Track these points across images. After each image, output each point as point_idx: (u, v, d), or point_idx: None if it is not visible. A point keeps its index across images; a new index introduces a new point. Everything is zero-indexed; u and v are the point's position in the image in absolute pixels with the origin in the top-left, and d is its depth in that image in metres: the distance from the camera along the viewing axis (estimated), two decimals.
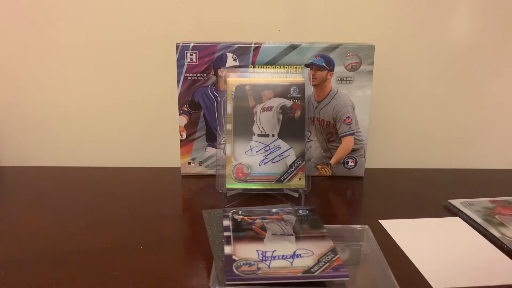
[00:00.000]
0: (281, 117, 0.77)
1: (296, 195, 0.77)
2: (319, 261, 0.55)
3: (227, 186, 0.76)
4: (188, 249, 0.63)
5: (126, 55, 0.95)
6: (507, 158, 1.03)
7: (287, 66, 0.83)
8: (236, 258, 0.55)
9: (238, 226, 0.63)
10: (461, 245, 0.64)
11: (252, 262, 0.54)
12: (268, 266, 0.54)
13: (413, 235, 0.67)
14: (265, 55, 0.83)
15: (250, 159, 0.77)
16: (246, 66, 0.83)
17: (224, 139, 0.78)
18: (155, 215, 0.73)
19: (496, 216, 0.72)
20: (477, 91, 0.99)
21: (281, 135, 0.77)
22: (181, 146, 0.88)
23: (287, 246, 0.58)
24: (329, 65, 0.83)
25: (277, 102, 0.77)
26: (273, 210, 0.68)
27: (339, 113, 0.86)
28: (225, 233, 0.61)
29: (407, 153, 1.02)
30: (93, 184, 0.86)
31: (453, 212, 0.75)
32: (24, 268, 0.57)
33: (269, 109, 0.77)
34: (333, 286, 0.53)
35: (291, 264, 0.54)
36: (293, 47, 0.83)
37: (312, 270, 0.53)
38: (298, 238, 0.60)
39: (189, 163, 0.89)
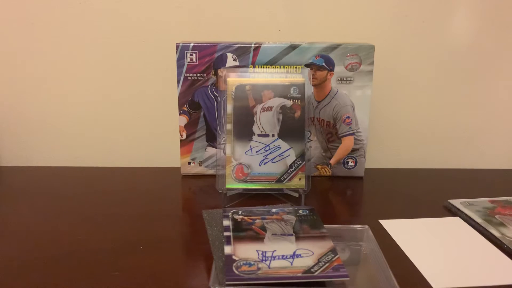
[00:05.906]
0: (281, 117, 0.77)
1: (296, 195, 0.77)
2: (319, 261, 0.55)
3: (227, 186, 0.76)
4: (188, 249, 0.63)
5: (126, 55, 0.95)
6: (507, 158, 1.03)
7: (287, 66, 0.83)
8: (236, 258, 0.55)
9: (238, 226, 0.63)
10: (461, 245, 0.64)
11: (252, 262, 0.54)
12: (268, 266, 0.54)
13: (413, 235, 0.67)
14: (265, 55, 0.83)
15: (250, 159, 0.77)
16: (246, 66, 0.83)
17: (224, 139, 0.78)
18: (155, 215, 0.73)
19: (496, 216, 0.72)
20: (477, 91, 0.99)
21: (281, 135, 0.77)
22: (181, 146, 0.88)
23: (287, 246, 0.58)
24: (329, 65, 0.83)
25: (277, 102, 0.77)
26: (273, 210, 0.68)
27: (339, 113, 0.86)
28: (225, 233, 0.61)
29: (407, 153, 1.02)
30: (93, 184, 0.86)
31: (453, 212, 0.75)
32: (24, 268, 0.57)
33: (269, 109, 0.77)
34: (333, 286, 0.53)
35: (291, 264, 0.54)
36: (293, 47, 0.83)
37: (312, 270, 0.53)
38: (298, 238, 0.60)
39: (189, 163, 0.89)
